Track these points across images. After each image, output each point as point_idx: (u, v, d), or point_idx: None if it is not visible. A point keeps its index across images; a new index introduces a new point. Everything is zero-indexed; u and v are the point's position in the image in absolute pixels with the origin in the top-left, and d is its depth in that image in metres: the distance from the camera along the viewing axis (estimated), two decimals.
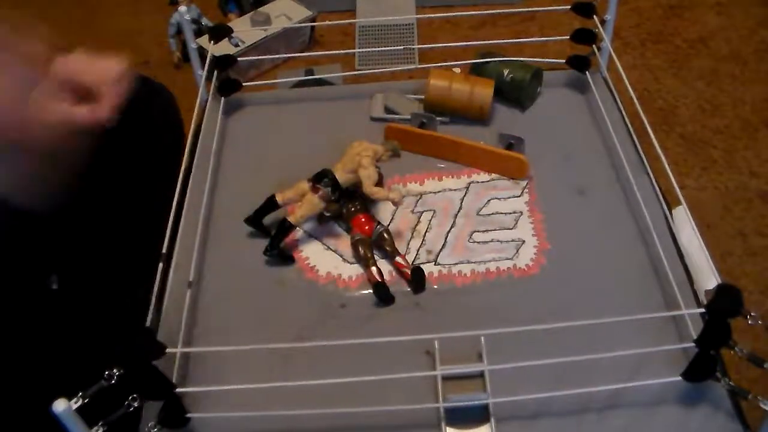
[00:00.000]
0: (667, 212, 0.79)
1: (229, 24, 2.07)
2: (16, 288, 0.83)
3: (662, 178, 0.82)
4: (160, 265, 0.75)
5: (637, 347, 0.62)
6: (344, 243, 0.83)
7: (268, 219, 0.83)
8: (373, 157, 0.82)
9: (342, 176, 0.81)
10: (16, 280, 0.84)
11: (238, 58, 1.01)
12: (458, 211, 0.86)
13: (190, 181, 0.84)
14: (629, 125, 0.92)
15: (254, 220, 0.83)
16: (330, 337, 0.74)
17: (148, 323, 0.71)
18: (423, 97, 0.97)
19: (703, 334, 0.60)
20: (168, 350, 0.60)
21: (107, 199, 0.88)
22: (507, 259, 0.80)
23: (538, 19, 2.12)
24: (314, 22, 2.06)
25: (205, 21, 2.04)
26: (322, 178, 0.80)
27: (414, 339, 0.69)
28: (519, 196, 0.87)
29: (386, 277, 0.79)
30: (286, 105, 1.02)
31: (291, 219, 0.80)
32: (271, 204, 0.82)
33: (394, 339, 0.64)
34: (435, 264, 0.80)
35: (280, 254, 0.81)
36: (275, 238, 0.80)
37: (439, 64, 0.98)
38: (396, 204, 0.83)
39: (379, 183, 0.84)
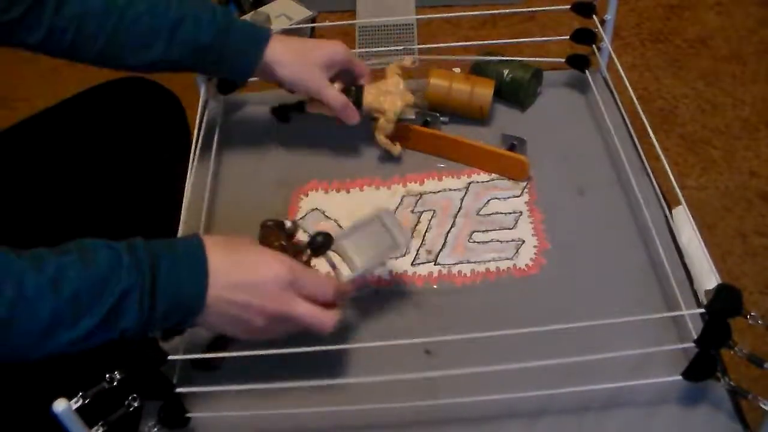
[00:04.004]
0: (667, 212, 0.79)
1: None
2: None
3: (662, 178, 0.82)
4: None
5: (637, 347, 0.62)
6: None
7: None
8: (399, 113, 0.88)
9: (367, 100, 0.87)
10: None
11: None
12: (458, 211, 0.86)
13: (191, 181, 0.84)
14: (629, 125, 0.92)
15: (281, 110, 0.95)
16: (330, 337, 0.74)
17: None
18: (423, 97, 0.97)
19: (703, 334, 0.60)
20: (170, 357, 0.60)
21: (113, 202, 0.88)
22: (507, 259, 0.80)
23: (538, 19, 2.12)
24: (314, 22, 2.06)
25: None
26: (352, 92, 0.87)
27: (414, 339, 0.69)
28: (519, 196, 0.87)
29: (386, 277, 0.79)
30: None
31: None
32: (300, 106, 0.92)
33: (394, 340, 0.64)
34: (435, 264, 0.80)
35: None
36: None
37: (439, 61, 0.98)
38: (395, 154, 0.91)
39: None
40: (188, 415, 0.64)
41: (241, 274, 0.59)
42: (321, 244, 0.67)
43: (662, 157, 0.77)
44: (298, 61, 0.82)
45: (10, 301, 0.51)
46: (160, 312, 0.57)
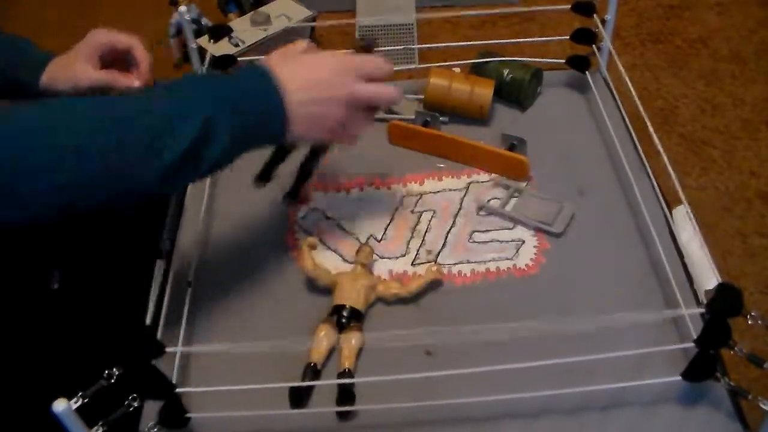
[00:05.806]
0: (667, 212, 0.79)
1: (229, 24, 2.07)
2: (17, 287, 0.83)
3: (662, 178, 0.82)
4: (161, 263, 0.75)
5: (637, 347, 0.62)
6: (344, 243, 0.83)
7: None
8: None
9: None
10: (18, 280, 0.84)
11: (238, 58, 1.01)
12: (458, 211, 0.86)
13: None
14: (629, 125, 0.92)
15: (264, 174, 0.82)
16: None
17: (148, 322, 0.71)
18: (422, 96, 0.97)
19: (703, 334, 0.60)
20: (167, 350, 0.60)
21: None
22: (507, 259, 0.80)
23: (538, 19, 2.12)
24: (314, 22, 2.06)
25: (205, 21, 2.04)
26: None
27: (414, 339, 0.69)
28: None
29: (385, 276, 0.79)
30: None
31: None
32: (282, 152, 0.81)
33: (394, 341, 0.64)
34: (435, 264, 0.80)
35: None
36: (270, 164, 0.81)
37: (439, 64, 0.98)
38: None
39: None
40: (188, 415, 0.64)
41: (308, 73, 0.66)
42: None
43: (664, 156, 0.77)
44: (60, 63, 0.80)
45: (113, 120, 0.57)
46: (251, 118, 0.62)
